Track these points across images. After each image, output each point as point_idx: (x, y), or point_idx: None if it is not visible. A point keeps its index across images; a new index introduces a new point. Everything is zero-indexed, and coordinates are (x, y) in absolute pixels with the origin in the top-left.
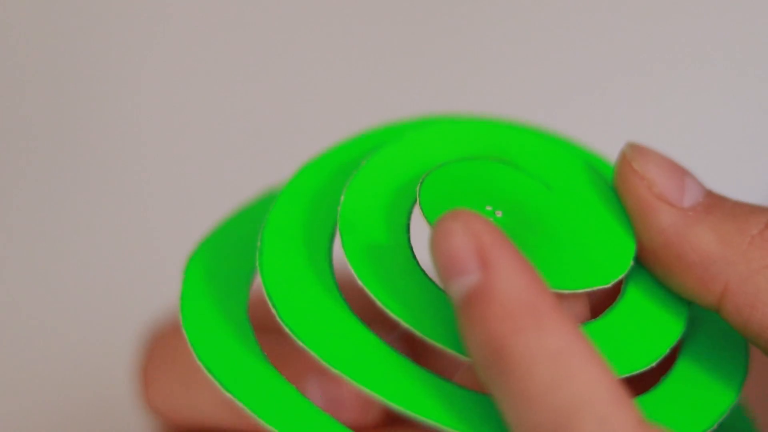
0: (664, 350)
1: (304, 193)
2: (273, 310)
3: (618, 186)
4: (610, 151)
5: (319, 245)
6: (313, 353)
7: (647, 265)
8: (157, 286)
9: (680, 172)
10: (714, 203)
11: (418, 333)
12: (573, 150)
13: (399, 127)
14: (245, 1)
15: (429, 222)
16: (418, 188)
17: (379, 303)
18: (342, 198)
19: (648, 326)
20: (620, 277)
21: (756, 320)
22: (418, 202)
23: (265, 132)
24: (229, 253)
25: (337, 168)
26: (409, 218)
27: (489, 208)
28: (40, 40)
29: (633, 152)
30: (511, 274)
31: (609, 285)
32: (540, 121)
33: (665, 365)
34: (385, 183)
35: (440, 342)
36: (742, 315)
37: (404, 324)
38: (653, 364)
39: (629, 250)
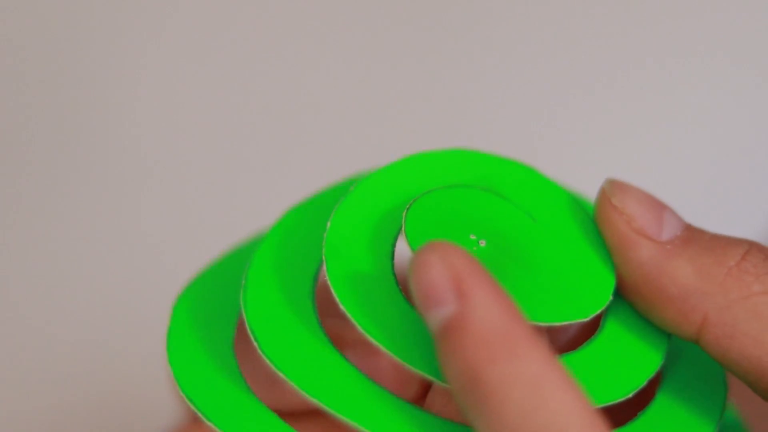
0: (642, 381)
1: (291, 232)
2: (255, 344)
3: (598, 220)
4: (607, 157)
5: (303, 277)
6: (292, 384)
7: (627, 298)
8: (156, 287)
9: (659, 207)
10: (692, 236)
11: (399, 360)
12: (555, 186)
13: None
14: (245, 2)
15: (413, 250)
16: (404, 215)
17: (361, 329)
18: (328, 224)
19: (626, 358)
20: (598, 311)
21: (735, 350)
22: (403, 229)
23: (262, 133)
24: (216, 292)
25: (324, 209)
26: (394, 245)
27: (473, 237)
28: (39, 40)
29: (612, 188)
30: (486, 303)
31: (587, 319)
32: (538, 124)
33: (645, 398)
34: (372, 209)
35: (421, 369)
36: (722, 345)
37: (385, 350)
38: (630, 395)
39: (609, 284)
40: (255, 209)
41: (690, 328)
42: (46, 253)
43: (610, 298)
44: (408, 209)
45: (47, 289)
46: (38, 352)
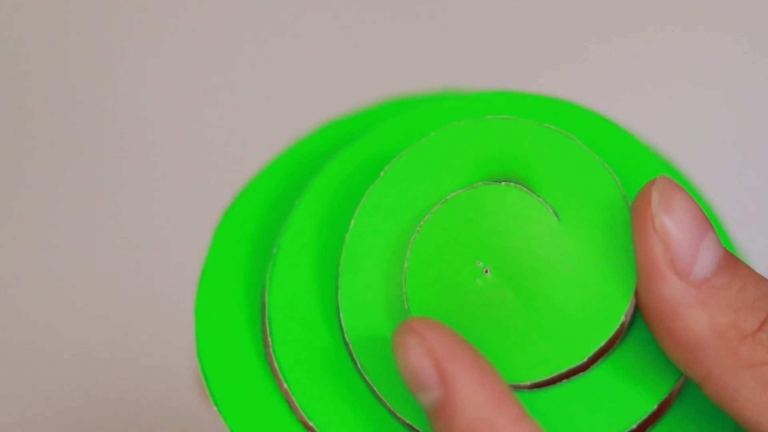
0: (649, 409)
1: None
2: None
3: (633, 231)
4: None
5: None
6: None
7: (641, 314)
8: (155, 287)
9: (700, 234)
10: (720, 285)
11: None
12: (597, 165)
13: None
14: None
15: (410, 310)
16: (408, 249)
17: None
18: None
19: (636, 383)
20: (594, 351)
21: (734, 410)
22: (404, 284)
23: (262, 132)
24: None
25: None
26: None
27: (479, 264)
28: (37, 40)
29: (661, 200)
30: (470, 389)
31: (583, 361)
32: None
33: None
34: (390, 226)
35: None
36: (721, 402)
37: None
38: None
39: (618, 312)
40: None
41: (693, 375)
42: (45, 253)
43: (612, 333)
44: (414, 238)
45: (46, 290)
46: (37, 353)
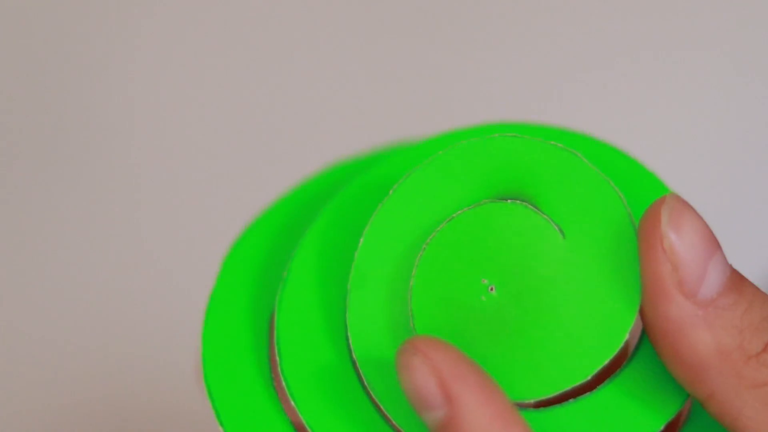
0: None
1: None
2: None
3: (640, 249)
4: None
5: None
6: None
7: (646, 331)
8: (154, 287)
9: (708, 253)
10: (725, 306)
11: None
12: (602, 182)
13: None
14: (244, 3)
15: (416, 330)
16: (413, 272)
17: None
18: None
19: (644, 403)
20: (600, 367)
21: (737, 428)
22: (410, 303)
23: (260, 132)
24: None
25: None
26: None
27: (485, 282)
28: (32, 42)
29: (670, 219)
30: (475, 408)
31: (588, 379)
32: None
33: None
34: (396, 247)
35: None
36: (724, 422)
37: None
38: None
39: (623, 328)
40: (250, 210)
41: (697, 394)
42: (44, 253)
43: (616, 352)
44: (421, 255)
45: (45, 290)
46: (36, 355)
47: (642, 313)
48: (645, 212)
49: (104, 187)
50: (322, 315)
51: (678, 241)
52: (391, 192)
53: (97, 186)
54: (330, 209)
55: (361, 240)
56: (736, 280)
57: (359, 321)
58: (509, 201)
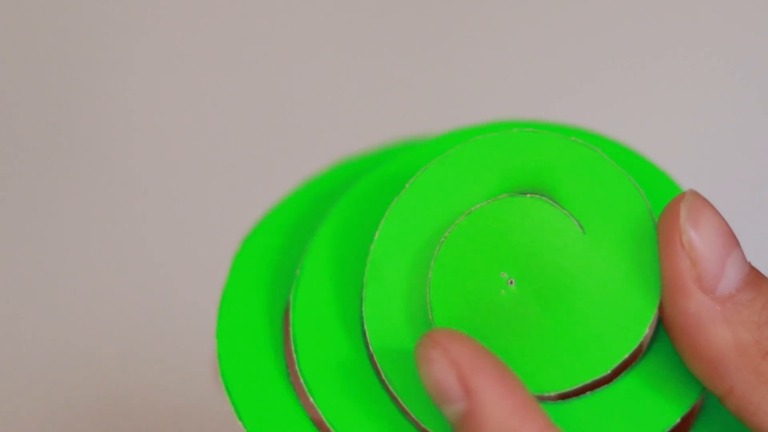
0: (675, 419)
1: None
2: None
3: (660, 245)
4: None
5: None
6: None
7: (664, 327)
8: (154, 287)
9: (726, 252)
10: (744, 302)
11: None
12: (622, 178)
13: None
14: (245, 2)
15: (434, 321)
16: (432, 261)
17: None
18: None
19: (660, 395)
20: (619, 362)
21: (755, 425)
22: (428, 296)
23: (259, 132)
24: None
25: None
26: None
27: (504, 275)
28: (34, 39)
29: (689, 214)
30: (495, 401)
31: (608, 372)
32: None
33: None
34: (414, 239)
35: None
36: (742, 417)
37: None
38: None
39: (642, 323)
40: (253, 208)
41: (715, 390)
42: (44, 254)
43: (636, 346)
44: (439, 248)
45: (45, 291)
46: (35, 355)
47: (661, 308)
48: (664, 208)
49: (116, 186)
50: (337, 310)
51: (697, 237)
52: (407, 185)
53: (106, 185)
54: (342, 205)
55: (378, 233)
56: (755, 277)
57: (376, 314)
58: (528, 195)
